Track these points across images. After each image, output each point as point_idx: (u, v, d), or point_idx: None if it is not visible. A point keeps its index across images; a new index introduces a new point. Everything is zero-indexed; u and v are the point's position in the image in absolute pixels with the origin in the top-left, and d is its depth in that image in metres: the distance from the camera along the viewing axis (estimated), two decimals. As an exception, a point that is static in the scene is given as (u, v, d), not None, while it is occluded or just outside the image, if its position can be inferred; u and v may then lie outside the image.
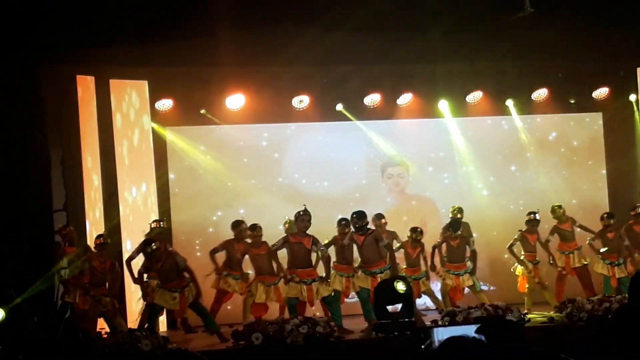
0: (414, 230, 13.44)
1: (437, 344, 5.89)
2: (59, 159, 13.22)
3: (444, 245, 13.68)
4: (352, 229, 12.70)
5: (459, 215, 14.15)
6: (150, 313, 12.05)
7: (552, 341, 10.15)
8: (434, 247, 13.60)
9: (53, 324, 11.78)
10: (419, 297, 13.48)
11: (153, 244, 11.95)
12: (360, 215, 12.70)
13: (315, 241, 12.37)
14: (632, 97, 15.91)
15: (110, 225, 13.35)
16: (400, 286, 11.52)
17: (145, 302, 12.32)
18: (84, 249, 12.56)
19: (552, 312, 12.30)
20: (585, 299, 12.07)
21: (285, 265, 12.60)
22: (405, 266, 13.39)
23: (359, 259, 12.86)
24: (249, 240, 13.00)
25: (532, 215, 14.04)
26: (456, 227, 13.67)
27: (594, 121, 16.37)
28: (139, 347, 10.37)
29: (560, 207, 14.29)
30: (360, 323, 12.37)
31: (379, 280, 12.34)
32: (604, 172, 16.23)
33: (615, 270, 13.79)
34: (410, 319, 11.36)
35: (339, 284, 12.60)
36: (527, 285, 13.88)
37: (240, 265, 13.04)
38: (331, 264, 12.57)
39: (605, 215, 14.11)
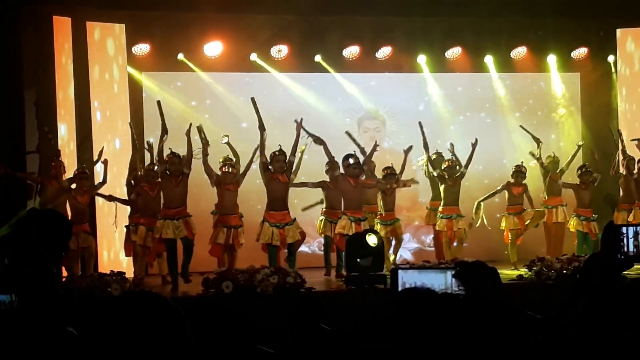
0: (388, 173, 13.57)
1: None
2: (33, 100, 13.09)
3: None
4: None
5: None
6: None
7: (520, 298, 10.22)
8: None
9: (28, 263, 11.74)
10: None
11: None
12: None
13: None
14: (611, 59, 15.92)
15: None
16: (371, 239, 11.56)
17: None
18: (66, 185, 12.52)
19: (521, 270, 12.38)
20: (547, 255, 12.29)
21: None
22: (382, 212, 13.53)
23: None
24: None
25: (518, 167, 14.12)
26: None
27: (572, 81, 16.37)
28: (108, 291, 10.39)
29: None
30: (319, 275, 12.62)
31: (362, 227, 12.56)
32: (580, 132, 16.25)
33: (592, 225, 13.92)
34: (381, 272, 11.44)
35: (329, 229, 12.74)
36: (510, 238, 13.97)
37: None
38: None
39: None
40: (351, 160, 12.96)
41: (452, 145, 14.11)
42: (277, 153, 12.64)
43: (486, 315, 3.89)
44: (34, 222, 5.08)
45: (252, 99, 12.86)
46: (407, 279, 5.79)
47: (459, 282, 4.55)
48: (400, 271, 6.04)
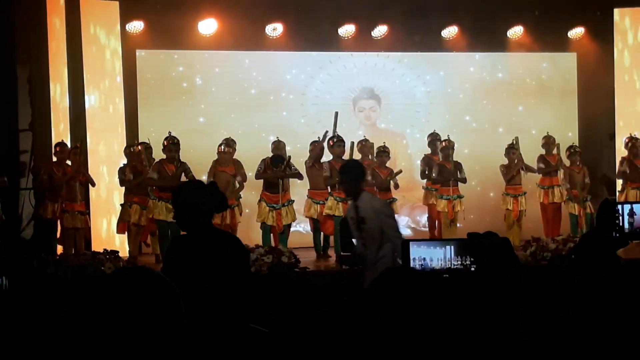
0: (381, 151, 13.44)
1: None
2: (26, 77, 13.00)
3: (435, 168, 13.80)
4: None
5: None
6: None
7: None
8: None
9: (18, 244, 11.71)
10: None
11: None
12: None
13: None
14: (608, 38, 15.84)
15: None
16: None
17: None
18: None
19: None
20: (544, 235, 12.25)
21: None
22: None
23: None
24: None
25: (510, 145, 14.02)
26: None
27: (569, 61, 16.29)
28: (102, 269, 10.36)
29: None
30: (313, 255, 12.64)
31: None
32: (576, 112, 16.19)
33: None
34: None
35: (314, 211, 12.77)
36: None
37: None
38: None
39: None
40: (335, 139, 12.98)
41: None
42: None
43: (494, 291, 3.72)
44: (192, 193, 5.22)
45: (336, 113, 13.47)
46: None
47: (467, 255, 4.38)
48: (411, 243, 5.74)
